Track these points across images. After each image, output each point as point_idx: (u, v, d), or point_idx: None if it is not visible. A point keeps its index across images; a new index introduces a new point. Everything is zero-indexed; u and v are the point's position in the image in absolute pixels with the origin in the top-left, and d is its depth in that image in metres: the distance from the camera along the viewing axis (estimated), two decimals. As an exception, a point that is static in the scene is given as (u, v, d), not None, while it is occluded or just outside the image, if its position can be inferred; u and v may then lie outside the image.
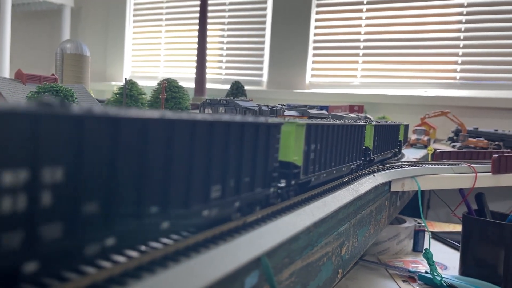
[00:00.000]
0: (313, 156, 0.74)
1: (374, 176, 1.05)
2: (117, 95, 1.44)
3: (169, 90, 1.36)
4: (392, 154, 1.43)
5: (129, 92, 1.39)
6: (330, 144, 0.83)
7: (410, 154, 1.80)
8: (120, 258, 0.38)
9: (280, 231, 0.56)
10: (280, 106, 1.03)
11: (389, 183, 1.20)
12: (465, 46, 2.73)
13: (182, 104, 1.36)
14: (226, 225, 0.51)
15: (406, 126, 1.79)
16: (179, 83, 1.56)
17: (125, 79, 1.35)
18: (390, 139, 1.35)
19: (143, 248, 0.41)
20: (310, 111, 1.12)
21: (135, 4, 3.95)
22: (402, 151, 1.71)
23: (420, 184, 1.27)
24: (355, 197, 0.87)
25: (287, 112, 1.04)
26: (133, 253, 0.39)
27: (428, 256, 1.26)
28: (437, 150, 1.64)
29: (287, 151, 0.67)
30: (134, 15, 3.96)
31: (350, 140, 0.94)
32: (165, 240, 0.44)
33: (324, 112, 1.24)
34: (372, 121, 1.22)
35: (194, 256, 0.41)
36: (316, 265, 0.70)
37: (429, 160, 1.65)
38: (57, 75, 1.56)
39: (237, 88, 2.15)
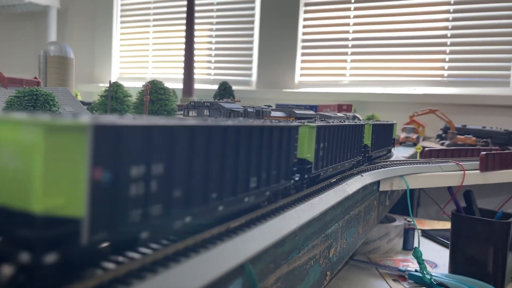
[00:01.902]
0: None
1: (362, 176, 1.04)
2: (102, 98, 1.42)
3: (154, 92, 1.34)
4: (355, 163, 1.10)
5: (115, 95, 1.37)
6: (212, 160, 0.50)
7: (399, 152, 1.80)
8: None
9: (264, 236, 0.55)
10: (267, 107, 1.02)
11: (377, 183, 1.20)
12: (452, 44, 2.74)
13: (168, 106, 1.35)
14: (208, 232, 0.50)
15: (390, 126, 1.54)
16: (168, 84, 1.55)
17: (110, 81, 1.33)
18: (350, 145, 1.03)
19: (119, 259, 0.40)
20: (297, 111, 1.11)
21: (122, 4, 3.91)
22: (392, 150, 1.70)
23: (408, 183, 1.27)
24: (342, 198, 0.86)
25: (273, 113, 1.03)
26: (109, 265, 0.38)
27: (417, 255, 1.26)
28: (426, 148, 1.65)
29: None
30: (121, 16, 3.93)
31: (268, 152, 0.62)
32: (143, 250, 0.43)
33: (312, 112, 1.23)
34: (327, 120, 1.01)
35: (173, 266, 0.40)
36: (303, 269, 0.69)
37: (418, 159, 1.65)
38: (41, 78, 1.53)
39: (224, 89, 2.14)
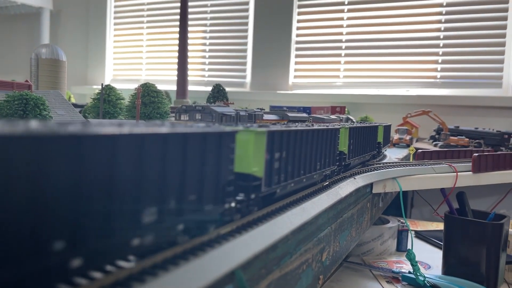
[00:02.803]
0: None
1: (354, 179, 1.04)
2: (95, 101, 1.41)
3: (147, 95, 1.34)
4: (329, 173, 0.95)
5: (107, 97, 1.36)
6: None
7: (392, 154, 1.80)
8: (82, 281, 0.36)
9: (255, 241, 0.55)
10: (259, 110, 1.02)
11: (370, 185, 1.20)
12: (445, 46, 2.76)
13: (161, 108, 1.35)
14: (199, 239, 0.50)
15: (373, 128, 1.41)
16: (162, 86, 1.54)
17: (102, 84, 1.32)
18: (319, 153, 0.86)
19: (107, 268, 0.39)
20: (289, 114, 1.11)
21: (116, 6, 3.90)
22: (385, 151, 1.71)
23: (401, 185, 1.27)
24: (335, 201, 0.86)
25: (266, 116, 1.03)
26: (97, 274, 0.38)
27: (411, 257, 1.27)
28: (419, 150, 1.65)
29: None
30: (115, 18, 3.91)
31: (180, 169, 0.46)
32: (132, 258, 0.42)
33: (304, 114, 1.23)
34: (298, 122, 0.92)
35: (161, 275, 0.40)
36: (295, 273, 0.69)
37: (411, 160, 1.65)
38: (32, 81, 1.52)
39: (218, 91, 2.13)
